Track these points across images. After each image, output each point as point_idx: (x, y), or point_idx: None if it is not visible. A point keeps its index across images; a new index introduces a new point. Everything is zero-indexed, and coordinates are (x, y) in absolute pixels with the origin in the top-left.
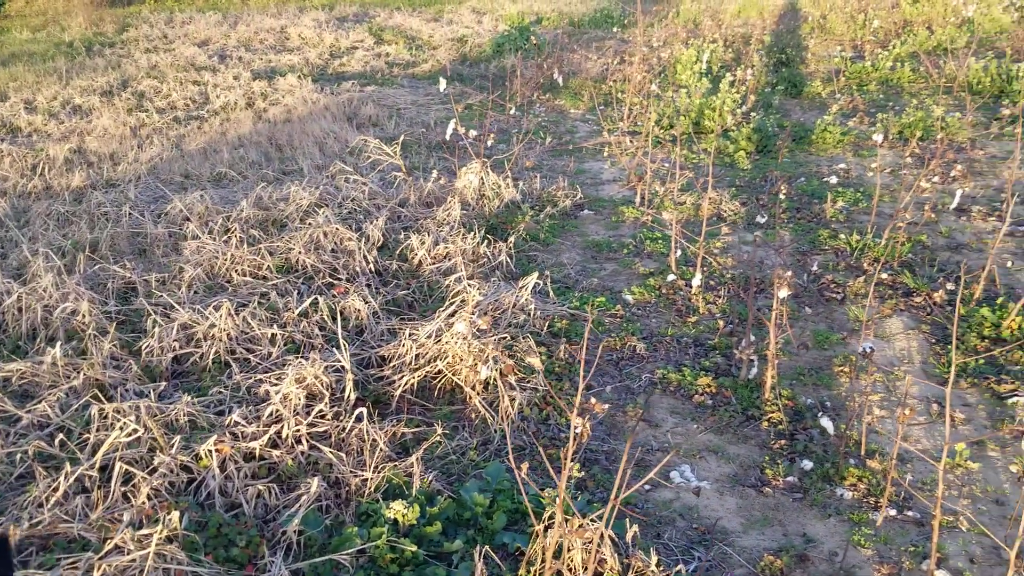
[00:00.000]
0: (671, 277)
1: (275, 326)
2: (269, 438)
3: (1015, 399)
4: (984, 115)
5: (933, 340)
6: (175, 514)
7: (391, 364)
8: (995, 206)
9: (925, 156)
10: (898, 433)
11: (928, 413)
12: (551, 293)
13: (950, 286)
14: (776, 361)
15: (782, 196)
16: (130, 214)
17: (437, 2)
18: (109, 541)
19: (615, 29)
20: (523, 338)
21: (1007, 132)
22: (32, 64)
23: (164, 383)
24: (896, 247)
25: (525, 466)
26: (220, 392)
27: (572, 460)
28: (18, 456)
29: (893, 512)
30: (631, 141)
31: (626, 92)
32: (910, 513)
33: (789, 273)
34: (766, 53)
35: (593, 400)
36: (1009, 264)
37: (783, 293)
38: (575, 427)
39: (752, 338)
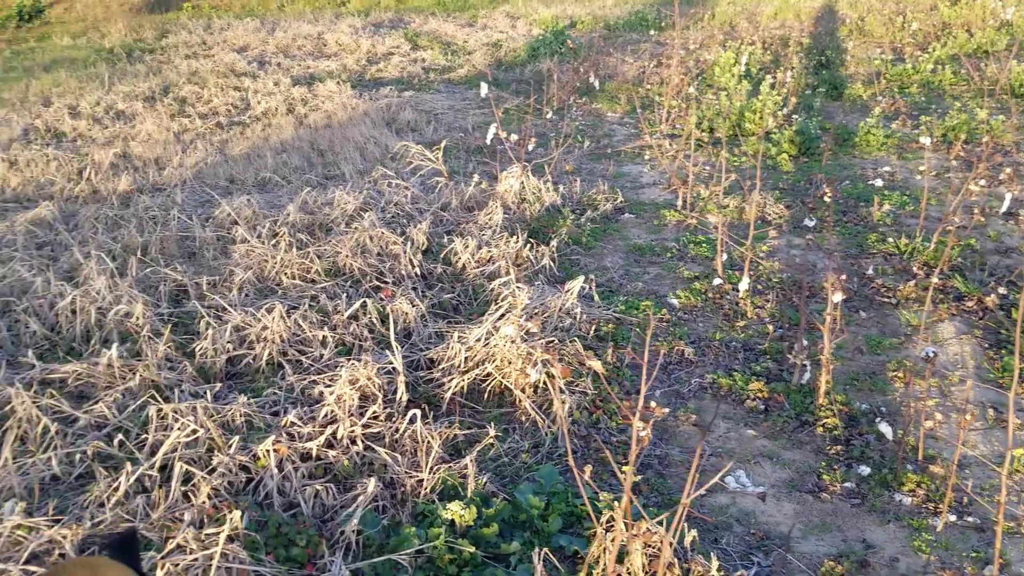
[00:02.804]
0: (717, 281)
1: (325, 328)
2: (325, 439)
3: None
4: None
5: (986, 345)
6: (236, 513)
7: (440, 367)
8: None
9: (971, 159)
10: (958, 438)
11: (984, 418)
12: (596, 297)
13: (1001, 290)
14: (830, 366)
15: (827, 199)
16: (178, 218)
17: (471, 7)
18: (171, 540)
19: (651, 32)
20: (570, 342)
21: None
22: (74, 70)
23: (219, 384)
24: (946, 251)
25: (588, 470)
26: (275, 393)
27: (630, 464)
28: (77, 456)
29: (953, 518)
30: (670, 144)
31: (664, 95)
32: (970, 519)
33: (844, 277)
34: (805, 55)
35: (653, 404)
36: None
37: (837, 297)
38: (637, 431)
39: (804, 343)
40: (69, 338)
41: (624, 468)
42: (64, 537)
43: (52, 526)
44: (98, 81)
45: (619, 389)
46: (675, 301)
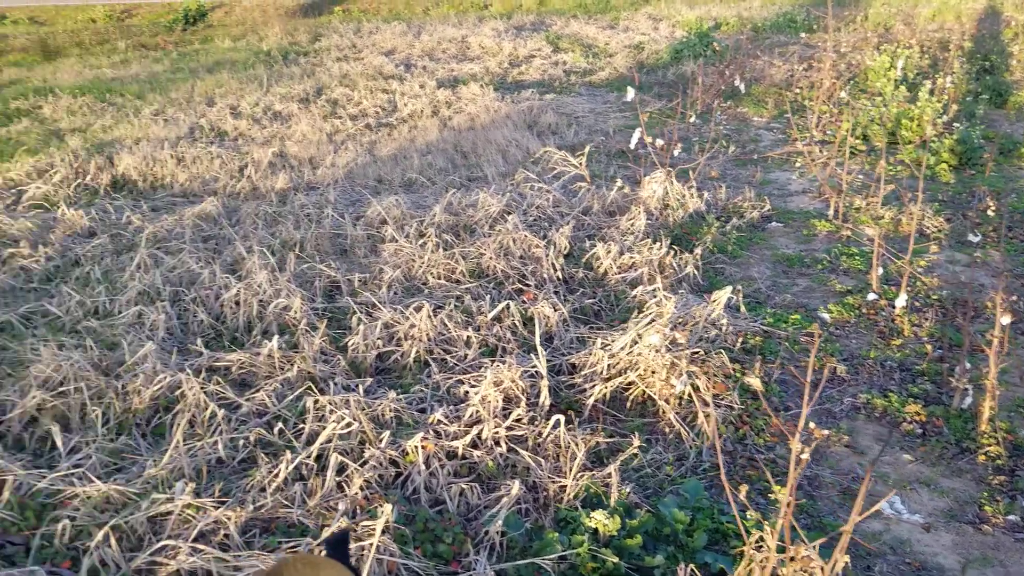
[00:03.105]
0: (872, 296)
1: (470, 329)
2: (470, 438)
3: None
4: None
5: None
6: (387, 507)
7: (582, 372)
8: None
9: None
10: None
11: None
12: (742, 308)
13: None
14: (995, 391)
15: (991, 213)
16: (331, 216)
17: (612, 9)
18: (326, 528)
19: (800, 34)
20: (715, 353)
21: None
22: (235, 71)
23: (369, 379)
24: None
25: (744, 488)
26: (421, 390)
27: (779, 483)
28: (240, 442)
29: None
30: (821, 151)
31: (814, 99)
32: None
33: (1014, 298)
34: (967, 59)
35: (812, 425)
36: None
37: (1005, 320)
38: (796, 453)
39: (967, 365)
40: (233, 328)
41: (778, 489)
42: (228, 519)
43: (217, 507)
44: (257, 83)
45: (767, 404)
46: (826, 316)
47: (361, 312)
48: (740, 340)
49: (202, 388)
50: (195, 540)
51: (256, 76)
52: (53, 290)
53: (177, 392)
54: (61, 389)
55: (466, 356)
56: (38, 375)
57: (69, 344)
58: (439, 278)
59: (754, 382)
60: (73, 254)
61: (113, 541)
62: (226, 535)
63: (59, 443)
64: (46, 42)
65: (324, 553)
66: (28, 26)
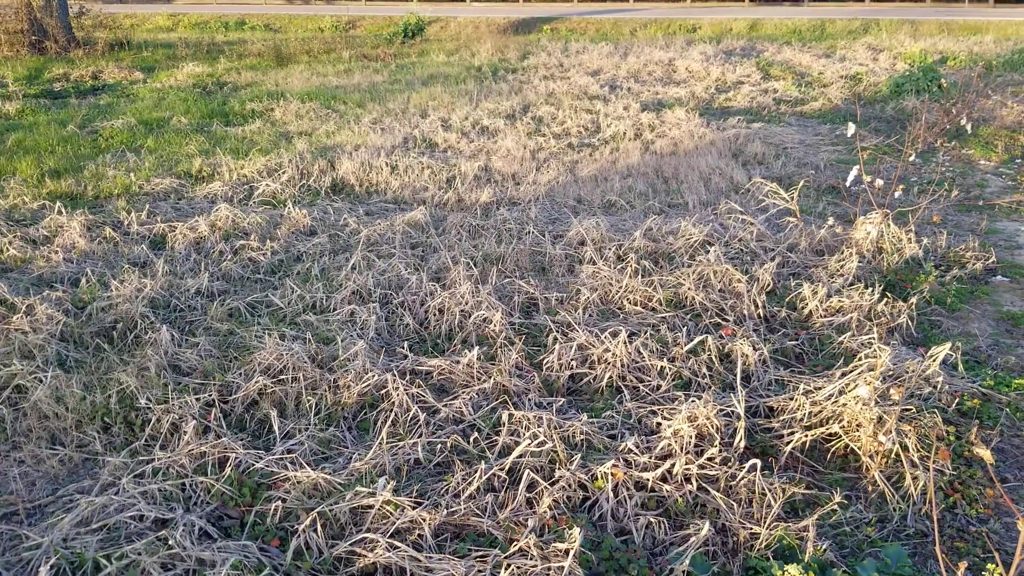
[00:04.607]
0: None
1: (664, 359)
2: (661, 472)
3: None
4: None
5: None
6: (576, 530)
7: (780, 417)
8: None
9: None
10: None
11: None
12: (960, 367)
13: None
14: None
15: None
16: (531, 232)
17: (828, 37)
18: (514, 543)
19: None
20: (928, 412)
21: None
22: (447, 85)
23: (561, 399)
24: None
25: (962, 566)
26: (612, 416)
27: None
28: (438, 446)
29: None
30: None
31: None
32: None
33: None
34: None
35: None
36: None
37: None
38: None
39: None
40: (435, 334)
41: (992, 567)
42: (423, 520)
43: (414, 507)
44: (467, 97)
45: (982, 474)
46: None
47: (557, 331)
48: (956, 401)
49: (405, 390)
50: (391, 536)
51: (467, 91)
52: (276, 282)
53: (382, 391)
54: (281, 377)
55: (659, 387)
56: (261, 362)
57: (289, 335)
58: (635, 304)
59: (984, 454)
60: (296, 250)
61: (319, 527)
62: (420, 535)
63: (276, 427)
64: (279, 49)
65: None
66: (264, 32)
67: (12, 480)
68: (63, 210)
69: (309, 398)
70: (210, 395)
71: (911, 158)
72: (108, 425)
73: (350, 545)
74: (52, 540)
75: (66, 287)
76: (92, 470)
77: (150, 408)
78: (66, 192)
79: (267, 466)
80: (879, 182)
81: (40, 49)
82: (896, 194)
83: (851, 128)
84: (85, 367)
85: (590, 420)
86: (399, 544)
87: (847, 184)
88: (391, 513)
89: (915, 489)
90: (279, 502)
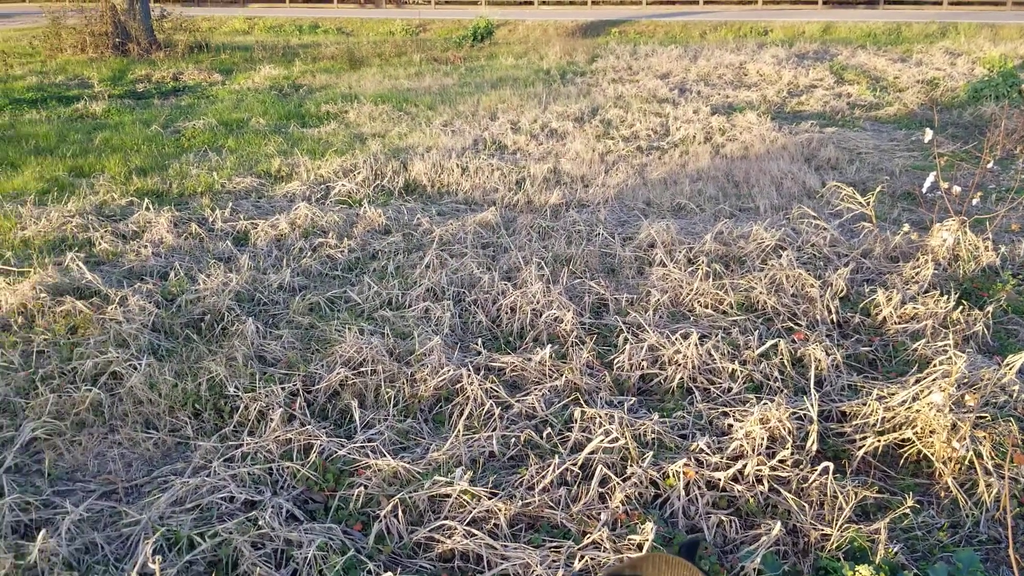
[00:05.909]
0: None
1: (736, 362)
2: (732, 472)
3: None
4: None
5: None
6: (648, 525)
7: (852, 422)
8: None
9: None
10: None
11: None
12: None
13: None
14: None
15: None
16: (601, 234)
17: (904, 41)
18: (587, 535)
19: None
20: (1003, 420)
21: None
22: (516, 88)
23: (632, 398)
24: None
25: None
26: (683, 416)
27: None
28: (512, 440)
29: None
30: None
31: None
32: None
33: None
34: None
35: None
36: None
37: None
38: None
39: None
40: (507, 332)
41: None
42: (499, 510)
43: (490, 497)
44: (536, 100)
45: None
46: None
47: (628, 332)
48: None
49: (480, 385)
50: (468, 524)
51: (535, 94)
52: (354, 279)
53: (457, 385)
54: (361, 369)
55: (730, 389)
56: (343, 354)
57: (367, 330)
58: (706, 307)
59: None
60: (372, 248)
61: (400, 513)
62: (496, 524)
63: (356, 417)
64: (352, 52)
65: (678, 553)
66: (337, 35)
67: (111, 461)
68: (151, 206)
69: (388, 390)
70: (294, 385)
71: (989, 165)
72: (199, 411)
73: (429, 531)
74: (150, 517)
75: (155, 280)
76: (184, 453)
77: (238, 396)
78: (152, 189)
79: (349, 454)
80: (956, 189)
81: (123, 51)
82: (973, 201)
83: (928, 134)
84: (176, 356)
85: (661, 419)
86: (476, 532)
87: (923, 190)
88: (468, 502)
89: (988, 496)
90: (361, 488)
